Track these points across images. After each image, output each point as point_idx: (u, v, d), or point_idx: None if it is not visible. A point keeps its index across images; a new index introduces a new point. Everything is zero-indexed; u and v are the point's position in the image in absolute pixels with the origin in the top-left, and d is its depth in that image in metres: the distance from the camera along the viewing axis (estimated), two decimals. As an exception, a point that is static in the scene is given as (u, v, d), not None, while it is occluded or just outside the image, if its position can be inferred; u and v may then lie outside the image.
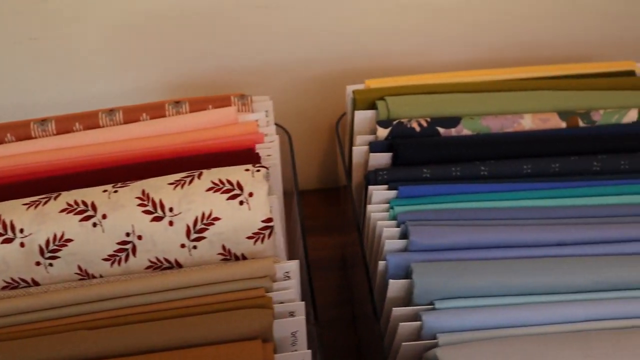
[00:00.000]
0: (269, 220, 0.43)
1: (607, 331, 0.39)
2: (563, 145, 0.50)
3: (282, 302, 0.42)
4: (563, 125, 0.52)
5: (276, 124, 0.57)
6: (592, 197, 0.48)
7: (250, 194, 0.43)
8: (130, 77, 0.65)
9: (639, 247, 0.44)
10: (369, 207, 0.47)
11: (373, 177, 0.49)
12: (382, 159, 0.50)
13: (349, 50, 0.65)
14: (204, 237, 0.43)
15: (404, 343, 0.40)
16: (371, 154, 0.50)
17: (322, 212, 0.71)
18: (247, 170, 0.44)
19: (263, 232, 0.43)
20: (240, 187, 0.43)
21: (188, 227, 0.42)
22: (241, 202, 0.43)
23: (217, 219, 0.42)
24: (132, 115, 0.52)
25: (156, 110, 0.53)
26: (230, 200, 0.43)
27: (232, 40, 0.63)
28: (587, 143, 0.51)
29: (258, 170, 0.44)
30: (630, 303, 0.41)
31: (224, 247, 0.43)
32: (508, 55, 0.66)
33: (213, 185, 0.43)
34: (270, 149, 0.51)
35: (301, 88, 0.67)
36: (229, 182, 0.43)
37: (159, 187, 0.43)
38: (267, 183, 0.44)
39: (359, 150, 0.51)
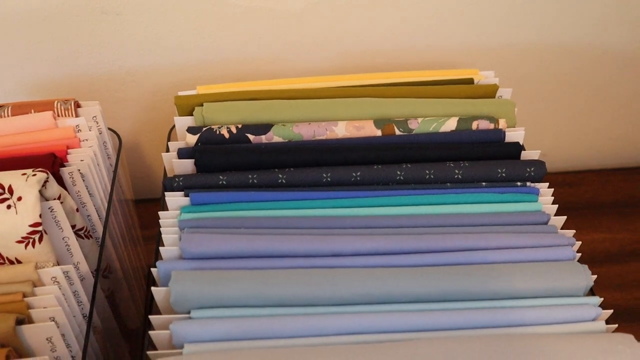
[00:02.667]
0: (37, 224, 0.43)
1: (349, 346, 0.39)
2: (371, 154, 0.50)
3: (45, 307, 0.42)
4: (378, 133, 0.51)
5: (109, 129, 0.58)
6: (390, 207, 0.47)
7: (19, 198, 0.43)
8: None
9: (412, 259, 0.43)
10: (160, 214, 0.47)
11: (169, 183, 0.48)
12: (187, 165, 0.50)
13: (204, 56, 0.65)
14: (-29, 241, 0.43)
15: (148, 352, 0.39)
16: (175, 160, 0.50)
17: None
18: (23, 174, 0.44)
19: (32, 236, 0.43)
20: (10, 191, 0.43)
21: (-47, 230, 0.42)
22: (8, 206, 0.43)
23: (-17, 222, 0.42)
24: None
25: (-22, 115, 0.54)
26: (-2, 205, 0.43)
27: (85, 47, 0.63)
28: (396, 152, 0.50)
29: (34, 175, 0.44)
30: (392, 316, 0.40)
31: (-6, 252, 0.43)
32: (362, 62, 0.66)
33: (-18, 190, 0.43)
34: (85, 154, 0.51)
35: (155, 97, 0.67)
36: (1, 186, 0.43)
37: None
38: (39, 187, 0.44)
39: (169, 156, 0.51)
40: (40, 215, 0.43)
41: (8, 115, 0.54)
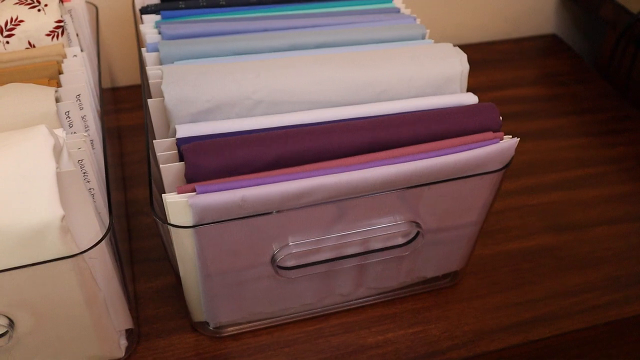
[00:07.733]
0: (60, 21, 0.63)
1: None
2: (280, -13, 0.74)
3: (71, 70, 0.61)
4: (284, -21, 0.76)
5: (86, 1, 0.78)
6: (296, 10, 0.71)
7: (46, 5, 0.63)
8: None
9: (312, 29, 0.67)
10: (141, 27, 0.68)
11: (145, 9, 0.70)
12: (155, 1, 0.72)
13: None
14: (13, 34, 0.62)
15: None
16: (147, -2, 0.71)
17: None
18: (44, -6, 0.64)
19: (56, 30, 0.63)
20: (38, 1, 0.63)
21: (1, 27, 0.61)
22: (39, 10, 0.62)
23: (22, 21, 0.62)
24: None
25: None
26: (31, 9, 0.62)
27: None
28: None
29: (52, -6, 0.64)
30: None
31: (29, 43, 0.63)
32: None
33: (18, 1, 0.63)
34: (76, 3, 0.71)
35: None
36: (31, -1, 0.63)
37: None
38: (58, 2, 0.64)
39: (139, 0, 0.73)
40: (61, 15, 0.63)
41: (11, -14, 0.73)
